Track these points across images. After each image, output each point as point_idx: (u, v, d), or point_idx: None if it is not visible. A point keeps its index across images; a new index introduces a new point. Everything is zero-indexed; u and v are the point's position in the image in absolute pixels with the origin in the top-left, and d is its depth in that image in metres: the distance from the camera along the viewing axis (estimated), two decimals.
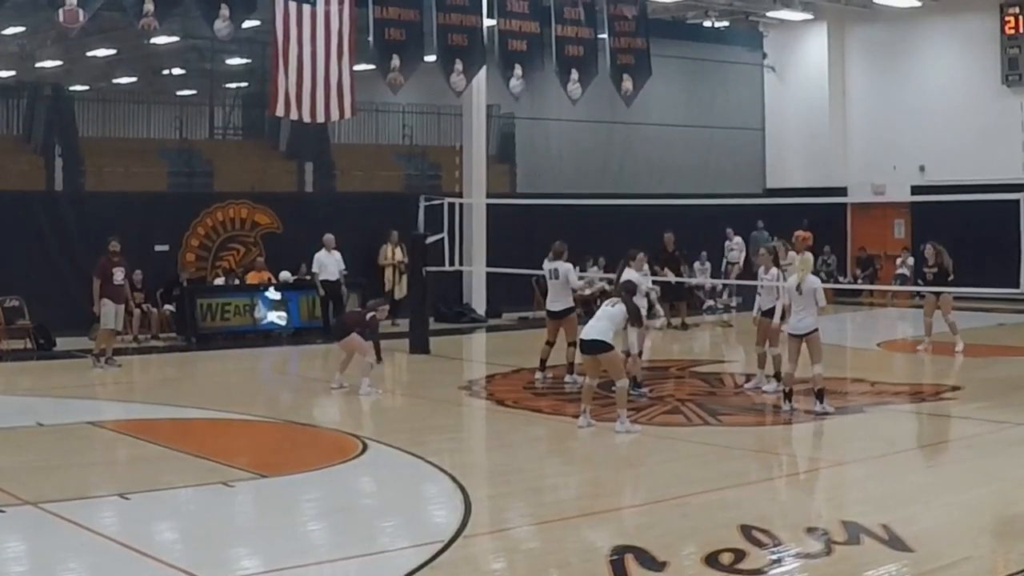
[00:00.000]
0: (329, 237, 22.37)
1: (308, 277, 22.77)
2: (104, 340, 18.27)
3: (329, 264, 22.25)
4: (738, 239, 28.33)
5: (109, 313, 18.16)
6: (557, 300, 16.64)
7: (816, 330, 13.82)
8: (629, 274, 15.12)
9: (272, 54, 21.43)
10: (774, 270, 15.61)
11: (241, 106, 31.75)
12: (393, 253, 24.10)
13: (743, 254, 28.35)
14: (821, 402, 13.78)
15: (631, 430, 12.76)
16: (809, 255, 14.78)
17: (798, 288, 13.80)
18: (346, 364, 16.01)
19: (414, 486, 10.97)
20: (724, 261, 28.23)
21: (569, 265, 16.72)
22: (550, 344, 16.60)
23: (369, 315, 16.11)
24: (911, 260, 27.73)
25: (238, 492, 10.46)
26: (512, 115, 28.09)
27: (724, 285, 27.43)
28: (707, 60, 31.08)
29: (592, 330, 12.95)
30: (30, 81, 28.78)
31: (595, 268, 25.95)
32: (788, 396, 13.98)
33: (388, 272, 24.08)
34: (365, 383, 15.52)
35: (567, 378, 16.23)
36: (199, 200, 23.72)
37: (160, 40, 28.42)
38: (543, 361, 16.58)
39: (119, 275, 18.34)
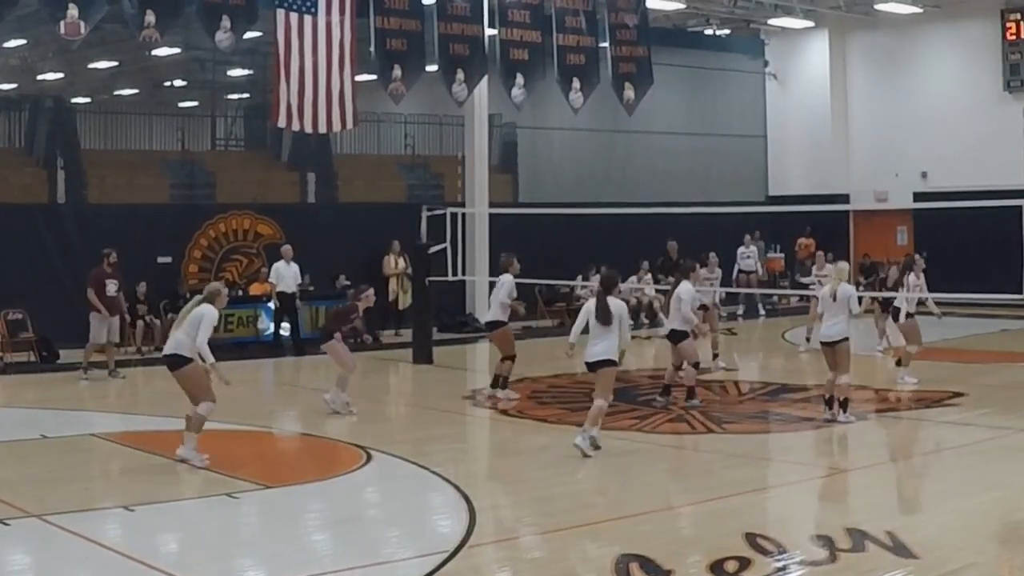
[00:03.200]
0: (287, 248, 21.89)
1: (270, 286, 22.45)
2: (90, 353, 18.23)
3: (287, 275, 21.94)
4: (754, 247, 27.95)
5: (99, 326, 18.14)
6: (489, 311, 16.25)
7: (846, 339, 13.82)
8: (684, 288, 14.90)
9: (274, 65, 21.46)
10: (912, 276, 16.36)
11: (243, 117, 31.81)
12: (396, 263, 24.07)
13: (759, 262, 28.00)
14: (845, 412, 13.73)
15: (585, 451, 12.09)
16: (845, 264, 14.80)
17: (833, 296, 13.80)
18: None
19: (418, 496, 10.97)
20: (736, 269, 27.68)
21: (509, 278, 16.08)
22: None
23: (347, 306, 15.43)
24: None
25: (242, 503, 10.47)
26: (514, 124, 28.11)
27: (727, 293, 27.24)
28: (709, 68, 31.11)
29: (607, 351, 12.25)
30: (32, 93, 28.86)
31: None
32: (829, 403, 13.91)
33: (392, 282, 24.02)
34: (337, 394, 14.80)
35: (499, 392, 15.77)
36: (201, 212, 23.72)
37: (161, 52, 28.47)
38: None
39: (112, 287, 18.31)
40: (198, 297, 12.19)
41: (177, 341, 11.88)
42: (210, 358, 11.81)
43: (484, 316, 16.38)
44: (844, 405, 13.77)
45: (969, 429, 13.98)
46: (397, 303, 23.74)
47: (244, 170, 26.91)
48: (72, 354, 20.02)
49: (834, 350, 13.80)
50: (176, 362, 11.90)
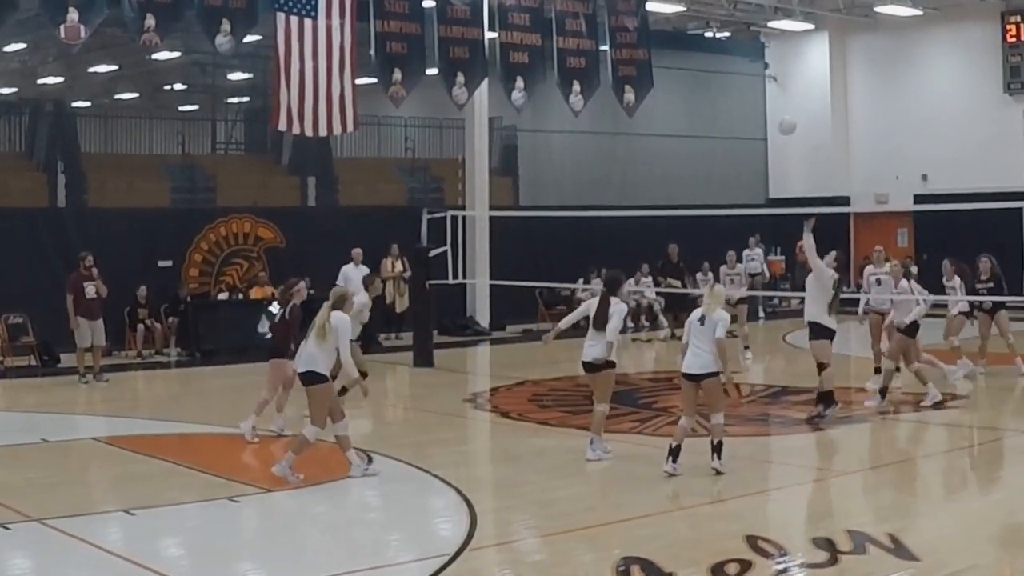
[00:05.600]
0: (357, 251, 21.67)
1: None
2: (82, 358, 18.20)
3: (355, 278, 21.81)
4: (759, 249, 27.79)
5: (83, 331, 18.11)
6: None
7: (717, 374, 11.39)
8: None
9: (274, 68, 21.47)
10: (904, 283, 15.72)
11: (243, 121, 31.88)
12: (393, 266, 24.01)
13: (764, 264, 27.84)
14: (719, 458, 11.48)
15: (603, 457, 12.07)
16: (720, 287, 13.36)
17: (701, 320, 11.50)
18: (284, 398, 13.77)
19: (419, 499, 10.97)
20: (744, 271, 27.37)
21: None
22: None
23: (289, 306, 13.44)
24: (914, 269, 27.62)
25: (243, 507, 10.47)
26: (514, 127, 28.13)
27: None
28: (709, 71, 31.13)
29: (597, 350, 12.05)
30: (32, 98, 28.86)
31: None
32: (674, 453, 11.47)
33: (388, 285, 23.96)
34: (249, 423, 13.34)
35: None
36: (202, 215, 23.73)
37: (162, 56, 28.52)
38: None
39: (90, 290, 18.25)
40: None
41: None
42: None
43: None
44: (718, 449, 11.42)
45: (970, 431, 13.99)
46: (394, 306, 23.70)
47: (244, 174, 26.93)
48: (73, 358, 20.04)
49: (701, 387, 11.49)
50: None
